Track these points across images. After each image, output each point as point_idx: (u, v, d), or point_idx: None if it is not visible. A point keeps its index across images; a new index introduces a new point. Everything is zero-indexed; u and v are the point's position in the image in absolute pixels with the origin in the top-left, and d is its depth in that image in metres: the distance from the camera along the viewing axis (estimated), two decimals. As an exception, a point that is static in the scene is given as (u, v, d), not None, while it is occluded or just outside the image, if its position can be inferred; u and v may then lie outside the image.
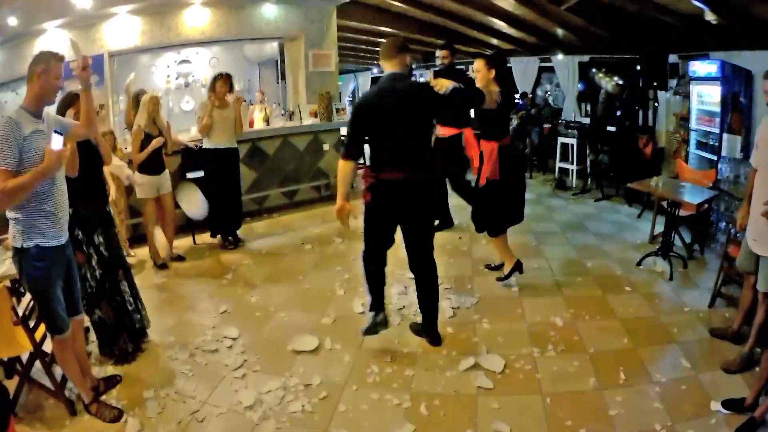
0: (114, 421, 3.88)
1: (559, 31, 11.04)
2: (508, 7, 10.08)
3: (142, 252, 7.24)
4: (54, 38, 8.66)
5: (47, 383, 4.06)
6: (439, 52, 7.71)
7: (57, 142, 3.35)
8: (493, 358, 4.51)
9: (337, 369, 4.47)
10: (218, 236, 7.73)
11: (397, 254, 6.88)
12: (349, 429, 3.74)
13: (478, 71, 5.52)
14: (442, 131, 7.49)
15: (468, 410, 3.92)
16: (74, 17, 8.21)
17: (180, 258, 7.10)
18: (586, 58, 12.14)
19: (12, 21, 8.20)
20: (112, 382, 4.35)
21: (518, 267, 5.98)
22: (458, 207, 8.10)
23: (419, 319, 5.05)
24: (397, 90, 4.39)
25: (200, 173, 7.54)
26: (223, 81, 7.11)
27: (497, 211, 5.81)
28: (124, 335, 4.76)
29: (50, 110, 3.76)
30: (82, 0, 7.80)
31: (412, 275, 5.70)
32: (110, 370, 4.55)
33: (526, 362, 4.49)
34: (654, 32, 9.11)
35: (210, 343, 4.93)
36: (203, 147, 7.36)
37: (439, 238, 7.46)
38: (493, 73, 5.49)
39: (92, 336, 4.88)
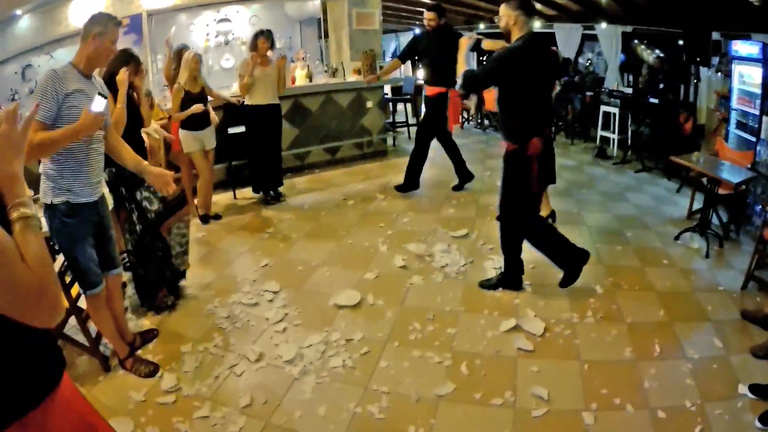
0: (149, 376, 3.84)
1: (603, 0, 10.75)
2: None
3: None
4: (87, 2, 8.61)
5: (82, 340, 4.05)
6: (426, 14, 7.44)
7: (99, 105, 3.24)
8: (534, 322, 4.44)
9: (379, 325, 4.41)
10: (260, 192, 7.68)
11: (440, 213, 6.81)
12: (390, 385, 3.69)
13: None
14: (429, 90, 7.47)
15: (508, 372, 3.87)
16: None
17: (217, 216, 7.03)
18: (629, 28, 11.81)
19: None
20: (148, 336, 4.32)
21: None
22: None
23: (462, 277, 5.07)
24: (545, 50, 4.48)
25: (242, 128, 7.45)
26: (264, 38, 7.00)
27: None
28: (163, 290, 4.73)
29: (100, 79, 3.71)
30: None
31: (454, 233, 5.70)
32: (147, 324, 4.51)
33: (566, 327, 4.42)
34: (697, 7, 8.84)
35: (250, 296, 4.88)
36: (245, 103, 7.27)
37: (481, 198, 7.44)
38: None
39: (128, 290, 4.87)
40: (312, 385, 3.67)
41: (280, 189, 7.79)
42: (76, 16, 8.76)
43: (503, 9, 4.36)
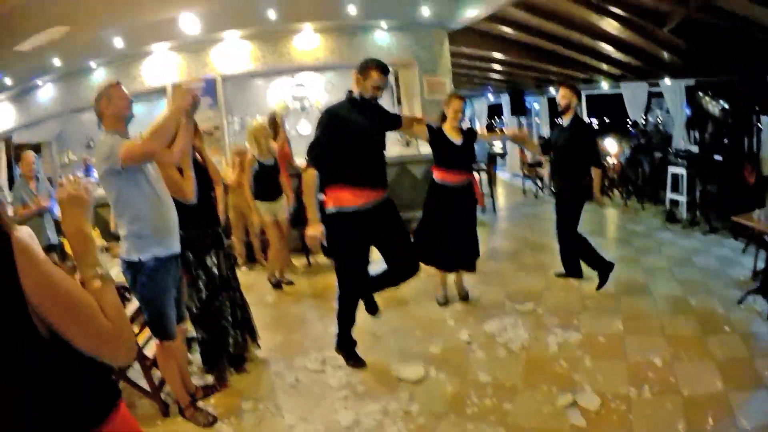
0: (207, 426, 3.96)
1: (665, 54, 10.69)
2: (613, 30, 9.90)
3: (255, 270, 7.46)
4: (161, 59, 9.00)
5: (144, 385, 4.20)
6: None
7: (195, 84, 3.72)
8: (590, 396, 4.34)
9: (439, 398, 4.38)
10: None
11: (509, 287, 6.75)
12: None
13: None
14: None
15: None
16: (182, 41, 8.50)
17: (290, 283, 7.23)
18: (692, 81, 11.64)
19: (118, 42, 8.55)
20: (210, 390, 4.46)
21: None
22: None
23: (524, 352, 5.09)
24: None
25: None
26: None
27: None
28: (223, 359, 4.80)
29: None
30: (189, 26, 8.06)
31: (520, 307, 5.82)
32: (211, 379, 4.66)
33: (622, 402, 4.30)
34: (753, 51, 8.65)
35: (316, 362, 4.95)
36: None
37: (550, 272, 7.33)
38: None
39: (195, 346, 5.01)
40: None
41: None
42: (149, 73, 9.25)
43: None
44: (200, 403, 4.23)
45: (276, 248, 6.92)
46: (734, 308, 5.96)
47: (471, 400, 4.32)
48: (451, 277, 6.41)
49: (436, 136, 5.75)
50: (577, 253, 6.74)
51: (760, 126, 9.64)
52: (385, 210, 4.67)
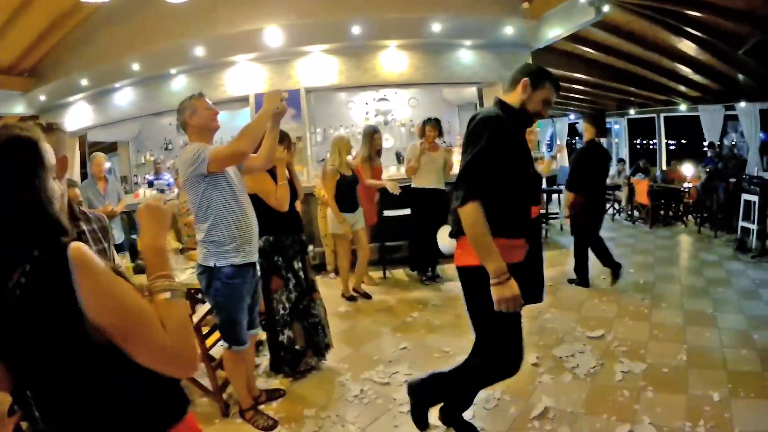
0: (266, 430, 4.04)
1: (740, 77, 10.49)
2: (690, 51, 9.90)
3: (331, 279, 7.69)
4: (244, 69, 9.26)
5: (207, 384, 4.36)
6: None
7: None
8: (648, 429, 4.28)
9: (500, 420, 4.39)
10: (416, 270, 8.04)
11: (581, 312, 6.73)
12: None
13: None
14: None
15: None
16: (266, 52, 8.68)
17: (367, 296, 7.33)
18: (767, 105, 11.39)
19: (199, 52, 8.82)
20: (274, 395, 4.56)
21: None
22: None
23: (589, 379, 5.05)
24: None
25: (400, 211, 7.94)
26: (431, 126, 7.49)
27: None
28: (309, 352, 4.99)
29: None
30: (273, 39, 8.24)
31: (591, 334, 5.82)
32: (276, 384, 4.78)
33: None
34: None
35: (382, 376, 4.99)
36: (411, 186, 7.69)
37: (622, 299, 7.31)
38: None
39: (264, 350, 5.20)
40: None
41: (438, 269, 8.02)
42: (232, 83, 9.47)
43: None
44: (262, 407, 4.33)
45: (346, 262, 7.10)
46: None
47: (532, 424, 4.32)
48: None
49: None
50: (585, 259, 7.68)
51: None
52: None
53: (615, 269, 7.55)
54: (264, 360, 5.18)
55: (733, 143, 13.66)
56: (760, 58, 8.86)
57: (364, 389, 4.73)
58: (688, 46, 9.62)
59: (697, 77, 11.76)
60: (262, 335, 5.19)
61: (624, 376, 5.13)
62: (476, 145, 3.10)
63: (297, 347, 4.91)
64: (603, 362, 5.41)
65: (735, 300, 7.28)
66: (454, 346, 5.67)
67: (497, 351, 3.54)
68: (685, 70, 11.35)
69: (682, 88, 13.14)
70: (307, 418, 4.24)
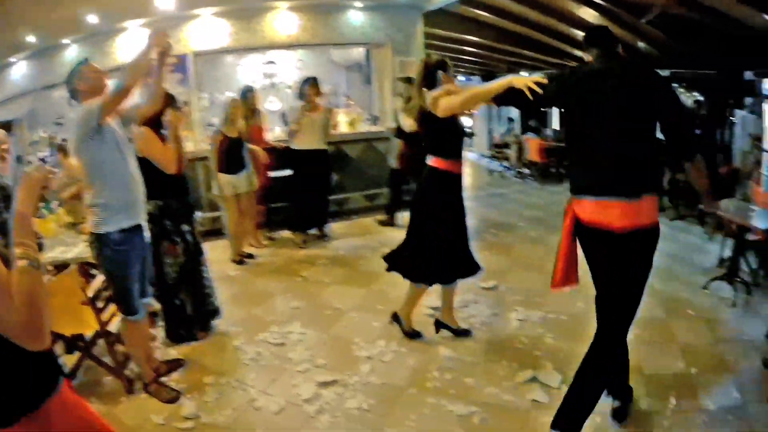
0: (170, 402, 3.95)
1: (641, 45, 10.77)
2: (589, 18, 9.87)
3: (218, 243, 7.34)
4: (135, 36, 8.89)
5: (108, 361, 4.18)
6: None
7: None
8: (551, 374, 4.35)
9: (400, 371, 4.39)
10: (299, 231, 7.81)
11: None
12: (401, 431, 3.67)
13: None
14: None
15: (519, 423, 3.80)
16: (157, 17, 8.41)
17: (250, 256, 7.16)
18: (667, 72, 11.76)
19: (92, 19, 8.43)
20: (174, 365, 4.44)
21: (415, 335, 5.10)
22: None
23: (485, 328, 5.09)
24: None
25: (283, 172, 7.71)
26: (311, 86, 7.31)
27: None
28: (200, 318, 4.91)
29: None
30: (164, 1, 7.97)
31: (483, 284, 5.79)
32: (174, 354, 4.64)
33: None
34: (731, 48, 8.78)
35: (277, 336, 4.94)
36: (291, 148, 7.50)
37: (513, 250, 7.44)
38: None
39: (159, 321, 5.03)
40: (326, 424, 3.67)
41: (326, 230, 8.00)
42: (123, 50, 9.06)
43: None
44: (164, 379, 4.21)
45: (235, 221, 6.90)
46: (699, 294, 6.04)
47: (432, 374, 4.33)
48: None
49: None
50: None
51: (734, 120, 9.82)
52: None
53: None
54: (161, 331, 5.00)
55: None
56: (663, 28, 9.07)
57: (260, 351, 4.68)
58: (588, 13, 9.67)
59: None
60: (157, 306, 4.99)
61: (521, 325, 5.21)
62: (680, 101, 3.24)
63: (189, 312, 4.82)
64: (498, 312, 5.47)
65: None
66: (345, 302, 5.70)
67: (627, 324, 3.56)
68: (582, 35, 11.38)
69: (578, 53, 13.29)
70: (208, 385, 4.15)
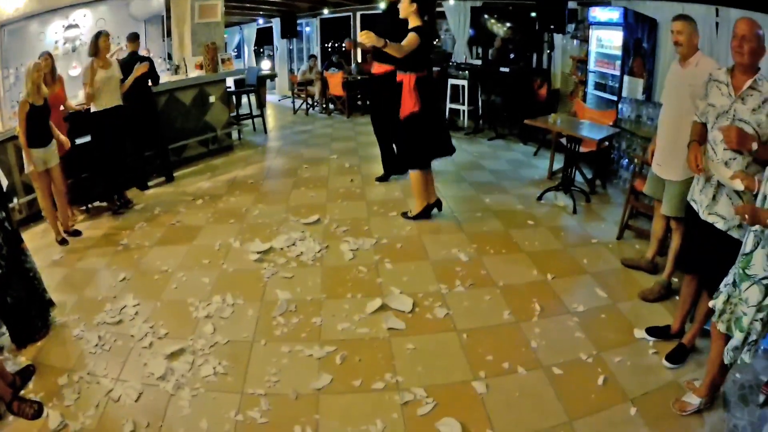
0: (36, 417, 3.67)
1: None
2: None
3: (37, 230, 6.85)
4: None
5: None
6: None
7: None
8: (401, 298, 4.45)
9: (243, 325, 4.34)
10: (111, 199, 7.42)
11: (289, 202, 6.79)
12: (265, 387, 3.65)
13: (401, 4, 5.48)
14: (377, 68, 7.14)
15: (383, 353, 3.88)
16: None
17: (77, 232, 6.66)
18: (478, 3, 12.10)
19: None
20: (27, 373, 4.10)
21: (429, 210, 6.13)
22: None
23: (319, 264, 5.24)
24: None
25: (87, 138, 7.24)
26: (102, 39, 6.94)
27: (423, 143, 5.83)
28: (38, 313, 4.55)
29: None
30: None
31: (306, 221, 5.99)
32: (23, 360, 4.27)
33: (435, 300, 4.46)
34: None
35: (112, 315, 4.65)
36: (91, 110, 7.06)
37: (329, 183, 7.58)
38: (414, 6, 5.46)
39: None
40: (189, 399, 3.57)
41: (127, 194, 7.56)
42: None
43: None
44: (23, 392, 3.88)
45: (47, 203, 6.30)
46: (535, 205, 6.44)
47: (277, 321, 4.33)
48: None
49: None
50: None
51: (553, 46, 10.45)
52: None
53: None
54: (5, 339, 4.49)
55: (436, 39, 14.31)
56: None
57: (101, 335, 4.38)
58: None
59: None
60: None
61: (355, 254, 5.32)
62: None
63: (25, 308, 4.43)
64: (327, 245, 5.55)
65: (455, 171, 7.87)
66: (169, 262, 5.53)
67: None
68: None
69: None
70: (63, 387, 3.85)
